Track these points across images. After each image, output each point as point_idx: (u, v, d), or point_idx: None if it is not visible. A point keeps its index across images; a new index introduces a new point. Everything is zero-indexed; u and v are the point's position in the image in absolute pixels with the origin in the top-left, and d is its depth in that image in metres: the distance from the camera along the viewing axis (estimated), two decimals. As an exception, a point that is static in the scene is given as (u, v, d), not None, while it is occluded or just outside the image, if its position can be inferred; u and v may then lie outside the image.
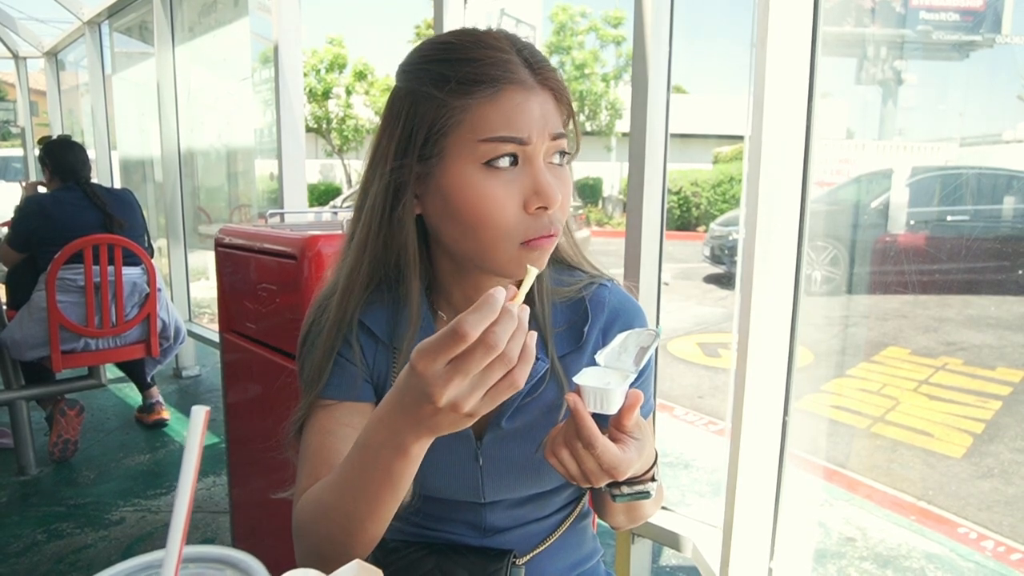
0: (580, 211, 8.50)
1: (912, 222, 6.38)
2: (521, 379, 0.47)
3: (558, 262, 0.75)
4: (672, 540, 1.46)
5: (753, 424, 1.20)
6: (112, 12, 4.37)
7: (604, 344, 0.70)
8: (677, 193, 12.31)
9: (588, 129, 15.64)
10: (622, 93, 11.63)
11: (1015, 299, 5.63)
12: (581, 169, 16.03)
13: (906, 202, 6.45)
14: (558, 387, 0.69)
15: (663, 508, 1.54)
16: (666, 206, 1.51)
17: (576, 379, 0.56)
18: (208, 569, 0.39)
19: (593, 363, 0.71)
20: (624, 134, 11.03)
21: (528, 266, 0.54)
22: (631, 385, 0.57)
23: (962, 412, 3.28)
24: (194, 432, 0.36)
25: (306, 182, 2.81)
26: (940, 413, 3.30)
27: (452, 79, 0.59)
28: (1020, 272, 5.90)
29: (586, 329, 0.71)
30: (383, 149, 0.64)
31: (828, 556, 2.03)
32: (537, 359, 0.67)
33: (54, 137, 2.70)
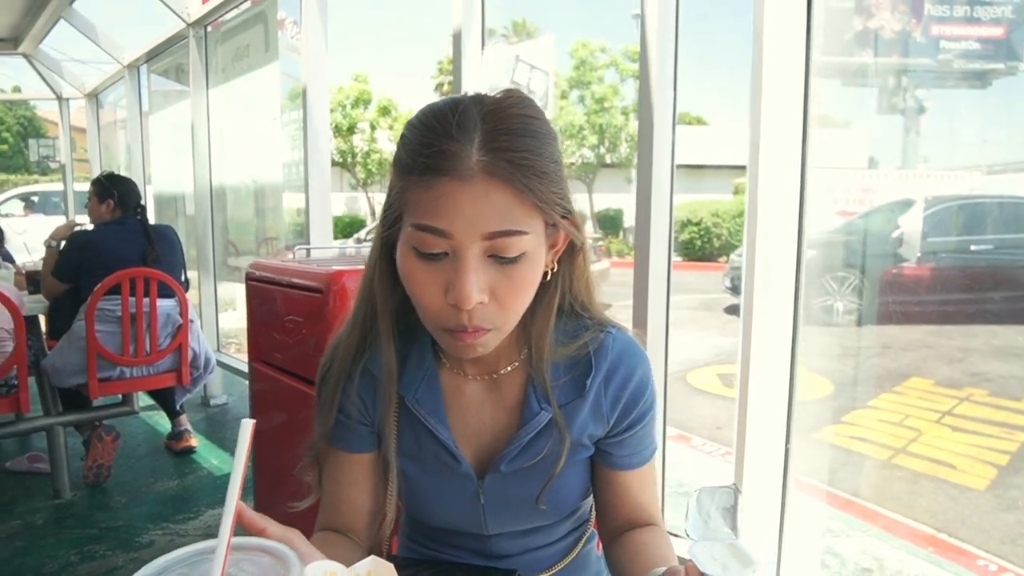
0: (600, 243, 8.57)
1: (935, 251, 6.31)
2: None
3: (567, 313, 0.73)
4: (683, 567, 1.48)
5: (756, 452, 1.24)
6: (151, 56, 4.64)
7: (606, 392, 0.72)
8: (698, 224, 12.31)
9: (608, 161, 15.81)
10: (641, 125, 11.87)
11: (1042, 329, 5.54)
12: (601, 200, 16.16)
13: (929, 231, 6.39)
14: (559, 435, 0.71)
15: (675, 536, 1.56)
16: (673, 236, 1.55)
17: (702, 569, 0.52)
18: (250, 555, 0.45)
19: (594, 414, 0.71)
20: (643, 166, 11.06)
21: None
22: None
23: (986, 444, 3.22)
24: (243, 441, 0.45)
25: (331, 215, 2.92)
26: (964, 444, 3.24)
27: (404, 163, 0.61)
28: (1047, 301, 5.80)
29: (588, 380, 0.71)
30: (383, 209, 0.69)
31: (844, 587, 2.02)
32: (541, 409, 0.71)
33: (103, 172, 2.87)
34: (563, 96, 15.65)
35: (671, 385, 4.68)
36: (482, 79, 2.08)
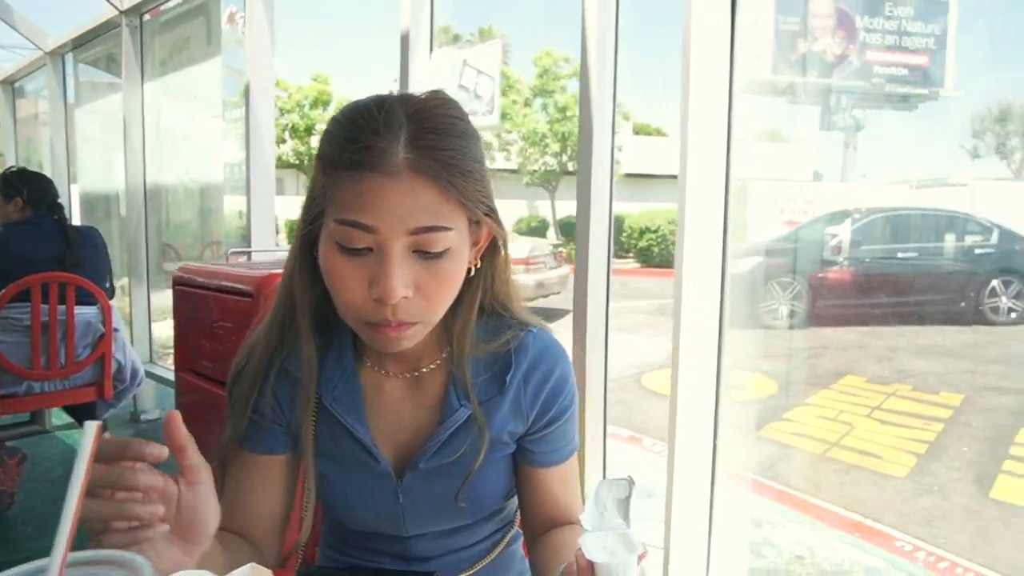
0: (560, 249, 8.69)
1: (868, 259, 6.68)
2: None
3: (488, 311, 0.74)
4: (620, 565, 1.50)
5: (686, 449, 1.27)
6: (77, 44, 4.33)
7: (526, 389, 0.73)
8: (656, 231, 12.57)
9: (570, 169, 15.99)
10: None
11: (957, 329, 5.98)
12: (564, 208, 16.33)
13: (861, 240, 6.76)
14: (478, 431, 0.71)
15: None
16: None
17: (589, 556, 0.54)
18: (97, 569, 0.41)
19: (514, 411, 0.73)
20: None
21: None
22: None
23: (909, 435, 3.43)
24: (84, 446, 0.42)
25: (276, 220, 2.83)
26: (890, 436, 3.44)
27: (329, 157, 0.61)
28: (962, 304, 6.26)
29: (508, 377, 0.72)
30: (304, 204, 0.68)
31: (778, 574, 2.12)
32: (460, 405, 0.71)
33: (10, 168, 2.66)
34: (527, 104, 15.72)
35: (626, 388, 4.78)
36: (430, 82, 2.07)
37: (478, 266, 0.69)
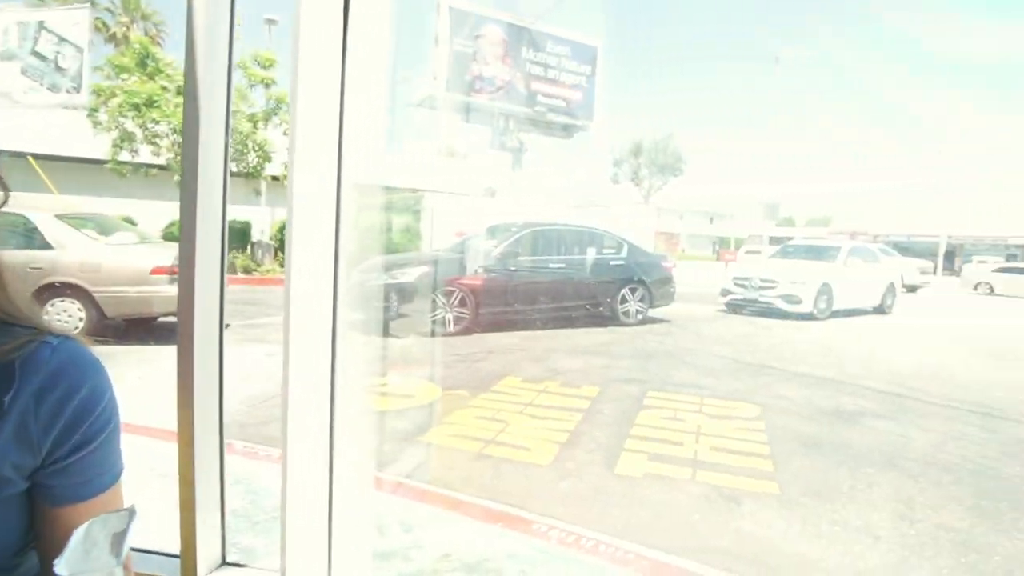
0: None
1: (525, 269, 7.63)
2: None
3: None
4: (241, 604, 1.36)
5: (300, 459, 1.22)
6: None
7: (37, 412, 0.62)
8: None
9: (235, 170, 14.78)
10: (272, 135, 11.35)
11: (597, 330, 7.19)
12: (231, 211, 14.97)
13: (520, 251, 7.71)
14: None
15: (236, 565, 1.44)
16: (227, 252, 1.45)
17: None
18: None
19: (20, 440, 0.61)
20: (274, 177, 10.72)
21: None
22: None
23: (554, 426, 3.95)
24: None
25: None
26: (538, 429, 3.91)
27: None
28: (601, 308, 7.65)
29: (8, 398, 0.61)
30: None
31: (425, 574, 2.19)
32: None
33: None
34: (179, 92, 14.05)
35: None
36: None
37: None
